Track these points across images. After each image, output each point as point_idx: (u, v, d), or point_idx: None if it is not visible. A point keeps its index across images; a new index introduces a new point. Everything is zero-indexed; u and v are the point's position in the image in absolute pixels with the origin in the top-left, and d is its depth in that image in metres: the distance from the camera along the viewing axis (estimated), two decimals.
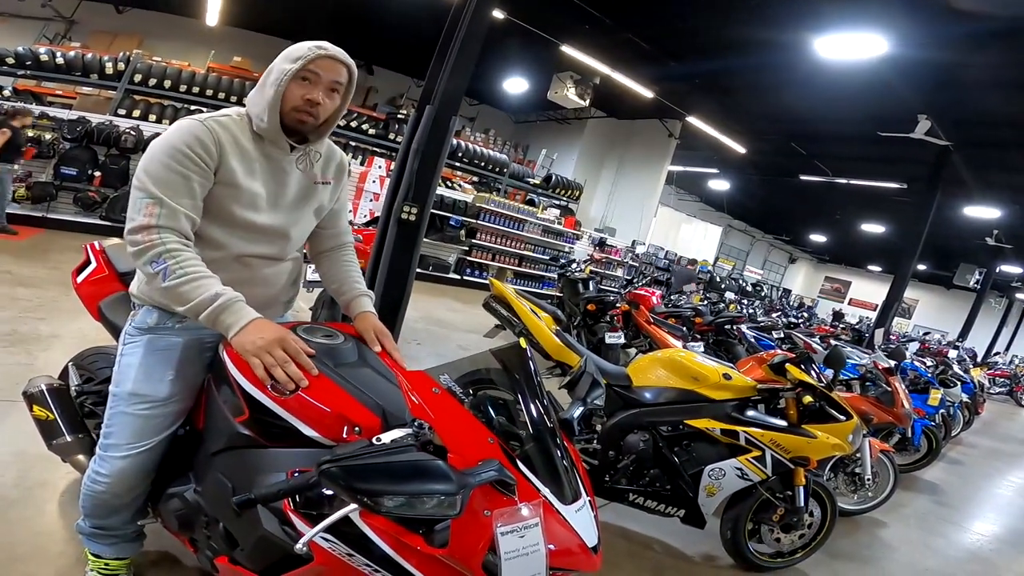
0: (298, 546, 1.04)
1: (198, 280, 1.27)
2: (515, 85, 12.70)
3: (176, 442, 1.49)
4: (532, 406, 1.23)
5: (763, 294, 16.90)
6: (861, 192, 14.06)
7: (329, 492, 1.10)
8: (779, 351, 3.23)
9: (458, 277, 9.82)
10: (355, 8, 9.94)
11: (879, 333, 7.27)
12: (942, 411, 4.96)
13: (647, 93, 10.58)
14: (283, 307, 1.67)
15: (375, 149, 10.64)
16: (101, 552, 1.58)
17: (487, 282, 9.98)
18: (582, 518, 1.18)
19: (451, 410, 1.17)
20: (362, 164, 9.26)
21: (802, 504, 2.53)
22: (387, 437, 1.04)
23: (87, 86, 8.63)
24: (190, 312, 1.28)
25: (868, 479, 3.26)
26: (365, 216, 8.77)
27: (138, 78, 8.24)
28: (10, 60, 7.77)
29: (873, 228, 18.47)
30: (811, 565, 2.81)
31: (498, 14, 7.99)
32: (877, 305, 29.01)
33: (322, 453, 1.06)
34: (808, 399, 2.53)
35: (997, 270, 17.03)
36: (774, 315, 11.14)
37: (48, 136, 6.73)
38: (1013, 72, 6.58)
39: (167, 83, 8.42)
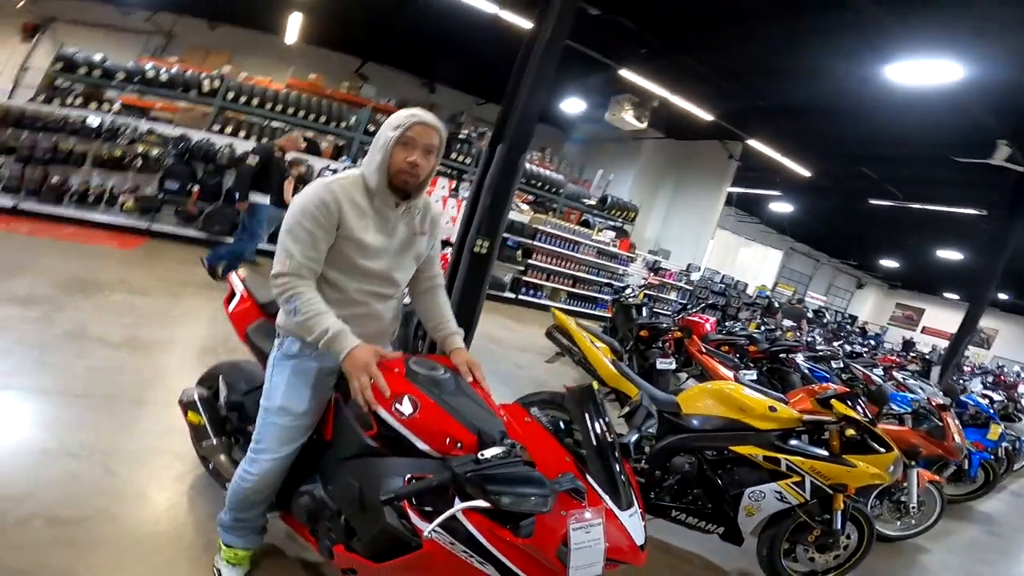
0: (426, 532, 1.35)
1: (318, 316, 1.64)
2: (573, 105, 12.83)
3: (303, 449, 1.85)
4: (598, 433, 1.55)
5: (824, 321, 16.30)
6: (936, 217, 13.45)
7: (439, 494, 1.41)
8: (832, 385, 3.34)
9: (513, 296, 10.14)
10: (421, 29, 10.30)
11: (935, 371, 7.01)
12: (1004, 445, 4.88)
13: (707, 116, 10.65)
14: (389, 337, 2.01)
15: (440, 168, 11.19)
16: (233, 543, 1.95)
17: (541, 302, 10.32)
18: (634, 522, 1.48)
19: (538, 435, 1.54)
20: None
21: (839, 527, 2.67)
22: (489, 453, 1.35)
23: (186, 102, 9.28)
24: (313, 340, 1.66)
25: (913, 507, 3.34)
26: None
27: (230, 95, 8.92)
28: (121, 75, 8.41)
29: (950, 255, 17.53)
30: None
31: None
32: (952, 334, 27.29)
33: (432, 463, 1.48)
34: (850, 432, 2.68)
35: None
36: (835, 344, 10.84)
37: (155, 152, 7.49)
38: None
39: (255, 101, 9.07)
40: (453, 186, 9.48)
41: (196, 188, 7.75)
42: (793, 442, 2.75)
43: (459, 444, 1.52)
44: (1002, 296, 20.82)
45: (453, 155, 10.79)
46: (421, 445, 1.55)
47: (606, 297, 11.07)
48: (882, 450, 2.69)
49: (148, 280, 5.43)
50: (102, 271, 5.33)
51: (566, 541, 1.33)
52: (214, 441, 2.18)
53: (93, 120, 7.31)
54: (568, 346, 3.40)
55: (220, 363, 2.50)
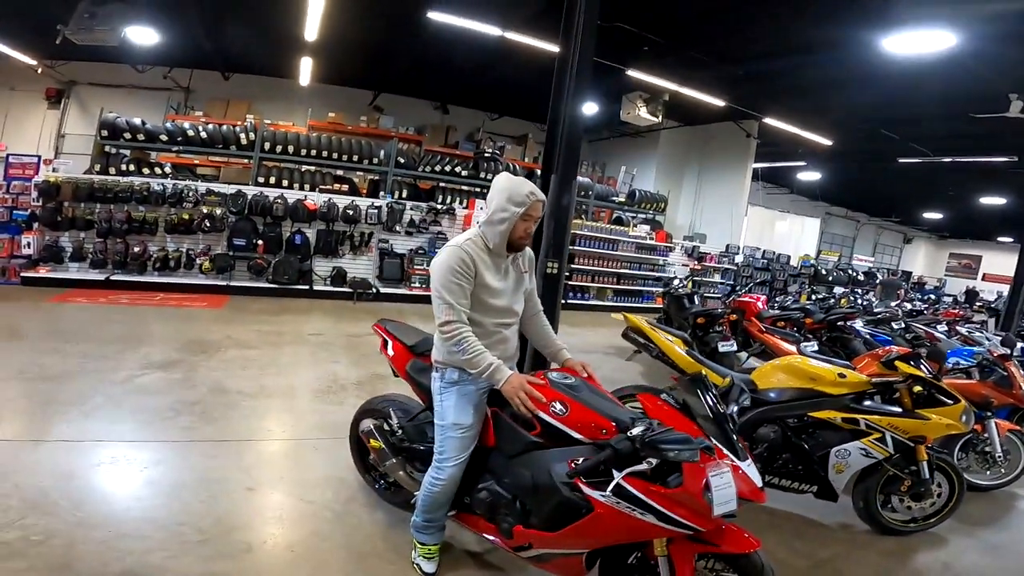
0: (603, 495, 1.79)
1: (482, 354, 2.13)
2: (585, 108, 13.05)
3: (472, 455, 2.30)
4: (712, 406, 1.96)
5: (877, 281, 16.04)
6: (968, 168, 13.21)
7: (607, 466, 1.83)
8: (893, 348, 3.59)
9: (562, 302, 10.45)
10: (428, 54, 10.53)
11: (991, 322, 6.95)
12: None
13: (718, 102, 10.80)
14: (515, 357, 2.45)
15: (470, 190, 11.28)
16: (426, 540, 2.41)
17: (590, 303, 10.64)
18: (752, 470, 1.89)
19: (669, 413, 1.97)
20: (464, 207, 10.15)
21: (927, 476, 2.94)
22: (636, 430, 1.80)
23: (227, 156, 9.87)
24: (476, 373, 2.14)
25: (999, 456, 3.53)
26: None
27: (267, 146, 9.30)
28: (163, 137, 8.71)
29: (992, 200, 17.09)
30: (947, 531, 3.19)
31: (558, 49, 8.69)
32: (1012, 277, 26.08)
33: (586, 447, 1.96)
34: (918, 388, 2.95)
35: None
36: (893, 304, 10.75)
37: (218, 211, 8.09)
38: None
39: (290, 148, 9.52)
40: None
41: (260, 242, 8.36)
42: (867, 403, 3.03)
43: (603, 431, 1.96)
44: None
45: (483, 174, 11.17)
46: (575, 435, 2.00)
47: (652, 289, 11.29)
48: (950, 402, 2.95)
49: (248, 334, 6.02)
50: (209, 331, 5.96)
51: (707, 487, 1.73)
52: (394, 460, 2.65)
53: (157, 186, 7.89)
54: (645, 343, 3.74)
55: (374, 399, 2.96)
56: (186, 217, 8.00)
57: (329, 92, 13.45)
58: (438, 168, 10.81)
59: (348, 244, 9.01)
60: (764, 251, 13.70)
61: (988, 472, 3.71)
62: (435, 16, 7.70)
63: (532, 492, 2.04)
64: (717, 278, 12.48)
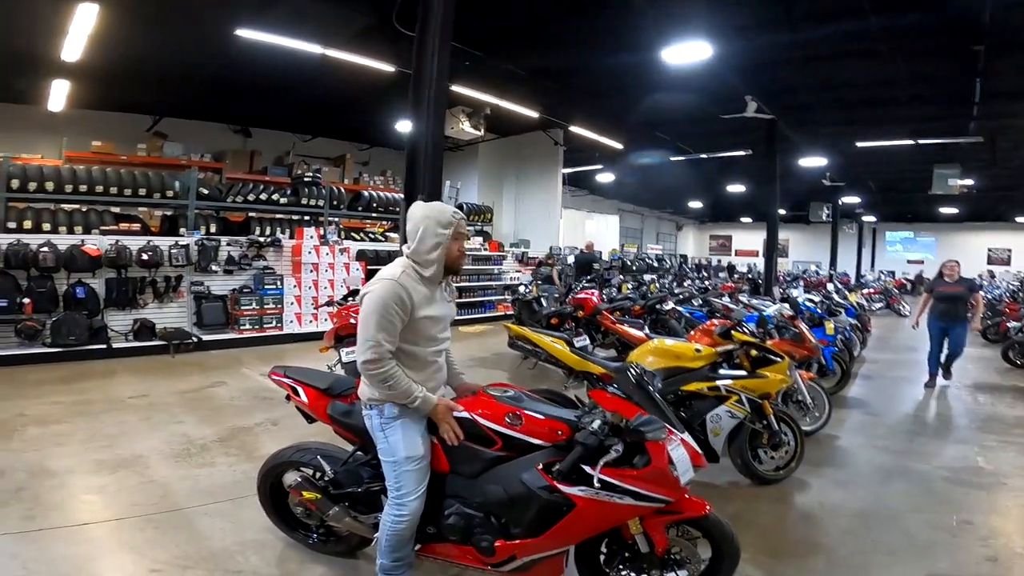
0: (586, 487, 1.94)
1: (409, 386, 2.11)
2: (406, 125, 13.04)
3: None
4: (654, 393, 2.24)
5: (667, 266, 18.83)
6: (719, 161, 16.36)
7: (579, 464, 1.98)
8: (714, 321, 4.28)
9: None
10: (228, 76, 9.70)
11: (776, 291, 8.81)
12: (839, 337, 6.20)
13: (532, 113, 11.72)
14: (445, 382, 2.41)
15: (288, 218, 10.59)
16: None
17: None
18: (691, 440, 2.20)
19: (620, 402, 2.16)
20: (291, 237, 9.38)
21: (776, 428, 3.57)
22: (595, 424, 2.00)
23: None
24: (408, 404, 2.11)
25: (809, 403, 4.39)
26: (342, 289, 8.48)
27: (14, 183, 7.66)
28: None
29: (736, 188, 21.35)
30: (803, 474, 3.84)
31: (388, 67, 8.65)
32: (758, 251, 32.67)
33: (547, 451, 2.10)
34: (754, 352, 3.60)
35: (840, 202, 20.54)
36: (686, 283, 12.74)
37: None
38: (806, 49, 8.36)
39: (48, 185, 7.82)
40: (321, 233, 9.28)
41: (27, 300, 6.71)
42: (721, 371, 3.59)
43: (559, 432, 2.11)
44: (781, 212, 25.74)
45: (304, 200, 10.45)
46: (536, 441, 2.12)
47: (493, 298, 11.73)
48: (778, 360, 3.64)
49: (44, 407, 4.86)
50: None
51: (670, 460, 2.00)
52: (337, 508, 2.42)
53: None
54: (532, 349, 3.92)
55: (283, 451, 2.64)
56: None
57: (90, 119, 11.33)
58: (251, 197, 9.82)
59: (150, 291, 7.69)
60: (580, 249, 15.09)
61: (807, 419, 4.49)
62: (245, 33, 7.01)
63: (508, 505, 2.09)
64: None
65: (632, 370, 2.30)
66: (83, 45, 7.37)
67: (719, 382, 3.50)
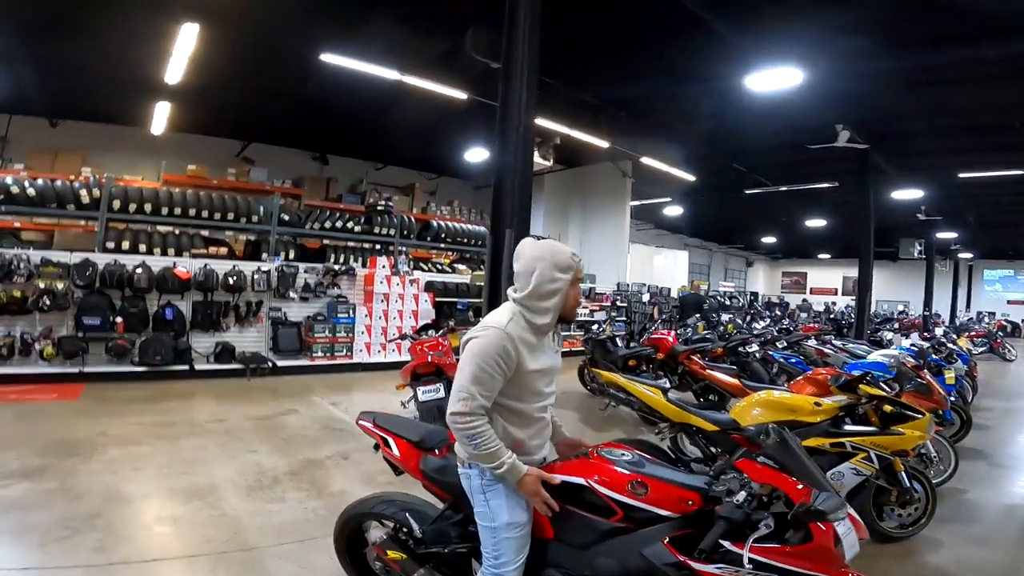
0: (744, 566, 1.68)
1: (498, 450, 1.84)
2: (476, 155, 12.74)
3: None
4: (806, 458, 1.90)
5: (740, 304, 17.92)
6: (799, 194, 15.50)
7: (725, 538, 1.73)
8: (821, 370, 3.86)
9: None
10: (310, 102, 10.05)
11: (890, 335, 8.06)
12: (956, 386, 5.66)
13: (602, 143, 11.51)
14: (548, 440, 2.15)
15: (359, 246, 10.72)
16: None
17: None
18: (851, 509, 1.92)
19: (771, 473, 1.85)
20: (364, 266, 9.51)
21: (908, 485, 3.15)
22: (740, 496, 1.73)
23: (60, 217, 8.35)
24: (491, 470, 1.86)
25: (934, 456, 3.89)
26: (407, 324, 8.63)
27: (116, 204, 7.89)
28: None
29: (815, 222, 20.20)
30: (932, 531, 3.41)
31: (461, 95, 8.68)
32: (836, 289, 30.75)
33: (674, 523, 1.83)
34: (889, 408, 3.13)
35: (934, 237, 18.98)
36: (761, 324, 11.91)
37: (60, 285, 6.59)
38: (909, 76, 7.84)
39: (147, 207, 8.13)
40: (393, 263, 9.36)
41: (120, 319, 7.00)
42: (847, 427, 3.14)
43: (689, 502, 1.84)
44: None
45: (377, 228, 10.61)
46: (663, 512, 1.85)
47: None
48: (918, 416, 3.16)
49: (127, 428, 4.96)
50: (73, 428, 4.83)
51: (837, 537, 1.77)
52: (422, 570, 2.22)
53: None
54: (626, 399, 3.61)
55: (366, 501, 2.45)
56: (17, 295, 6.45)
57: (186, 142, 11.98)
58: (327, 224, 10.07)
59: (233, 315, 7.93)
60: (648, 286, 14.61)
61: (932, 472, 4.04)
62: (329, 58, 7.26)
63: None
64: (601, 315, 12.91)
65: (772, 432, 1.95)
66: (183, 67, 7.75)
67: (846, 439, 3.06)
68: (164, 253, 8.15)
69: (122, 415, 5.36)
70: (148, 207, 8.24)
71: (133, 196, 8.18)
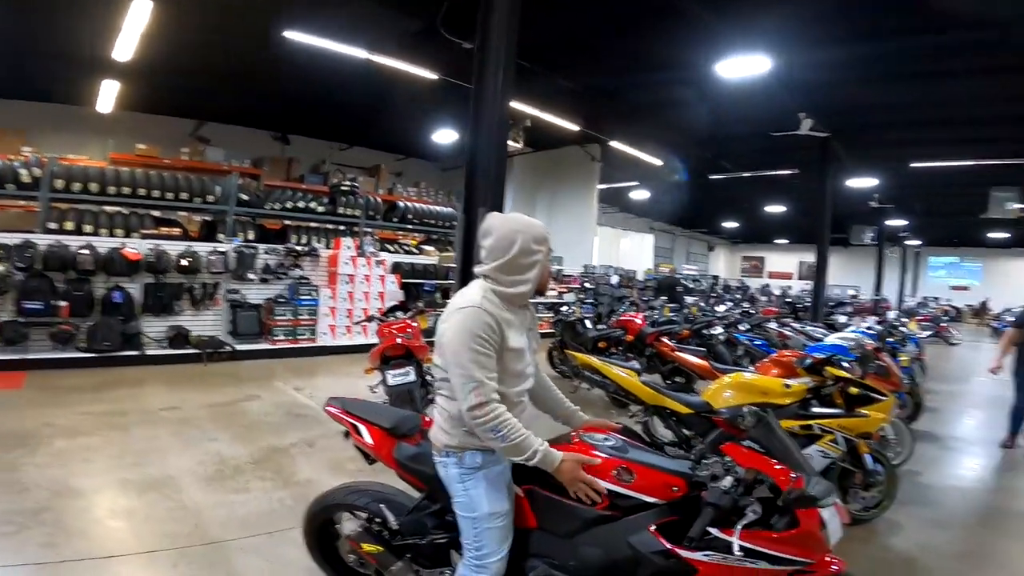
0: (734, 553, 1.64)
1: (526, 438, 1.75)
2: (445, 136, 12.69)
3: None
4: (788, 441, 1.92)
5: (702, 288, 18.30)
6: (760, 180, 15.84)
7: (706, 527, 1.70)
8: (785, 352, 3.94)
9: None
10: (271, 81, 9.74)
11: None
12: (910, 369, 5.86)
13: (572, 127, 11.44)
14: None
15: (322, 227, 10.31)
16: None
17: None
18: (839, 502, 1.94)
19: (757, 457, 1.85)
20: (328, 247, 9.25)
21: (872, 467, 3.21)
22: (727, 482, 1.70)
23: (3, 198, 7.71)
24: (522, 459, 1.76)
25: (892, 437, 4.01)
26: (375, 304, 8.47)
27: (58, 183, 7.48)
28: None
29: (775, 208, 20.74)
30: (893, 513, 3.50)
31: (432, 75, 8.46)
32: (792, 273, 31.76)
33: (660, 510, 1.80)
34: (855, 390, 3.21)
35: (885, 225, 19.79)
36: (723, 307, 12.17)
37: (0, 267, 6.22)
38: (873, 67, 8.01)
39: (92, 186, 7.65)
40: (358, 245, 9.11)
41: (64, 303, 6.60)
42: (814, 409, 3.21)
43: (674, 488, 1.81)
44: None
45: (341, 209, 10.32)
46: (650, 499, 1.82)
47: None
48: (883, 398, 3.25)
49: (74, 418, 4.65)
50: (17, 419, 4.50)
51: (822, 522, 1.77)
52: (400, 563, 2.13)
53: None
54: (600, 381, 3.59)
55: (336, 491, 2.32)
56: None
57: (137, 121, 11.44)
58: (288, 205, 9.70)
59: (187, 298, 7.57)
60: (615, 268, 14.74)
61: (890, 454, 4.18)
62: (293, 35, 6.91)
63: (610, 569, 1.81)
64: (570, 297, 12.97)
65: (749, 414, 1.94)
66: (135, 44, 7.33)
67: (814, 421, 3.11)
68: (112, 234, 7.67)
69: (69, 404, 5.05)
70: (94, 186, 7.74)
71: (77, 175, 7.70)
